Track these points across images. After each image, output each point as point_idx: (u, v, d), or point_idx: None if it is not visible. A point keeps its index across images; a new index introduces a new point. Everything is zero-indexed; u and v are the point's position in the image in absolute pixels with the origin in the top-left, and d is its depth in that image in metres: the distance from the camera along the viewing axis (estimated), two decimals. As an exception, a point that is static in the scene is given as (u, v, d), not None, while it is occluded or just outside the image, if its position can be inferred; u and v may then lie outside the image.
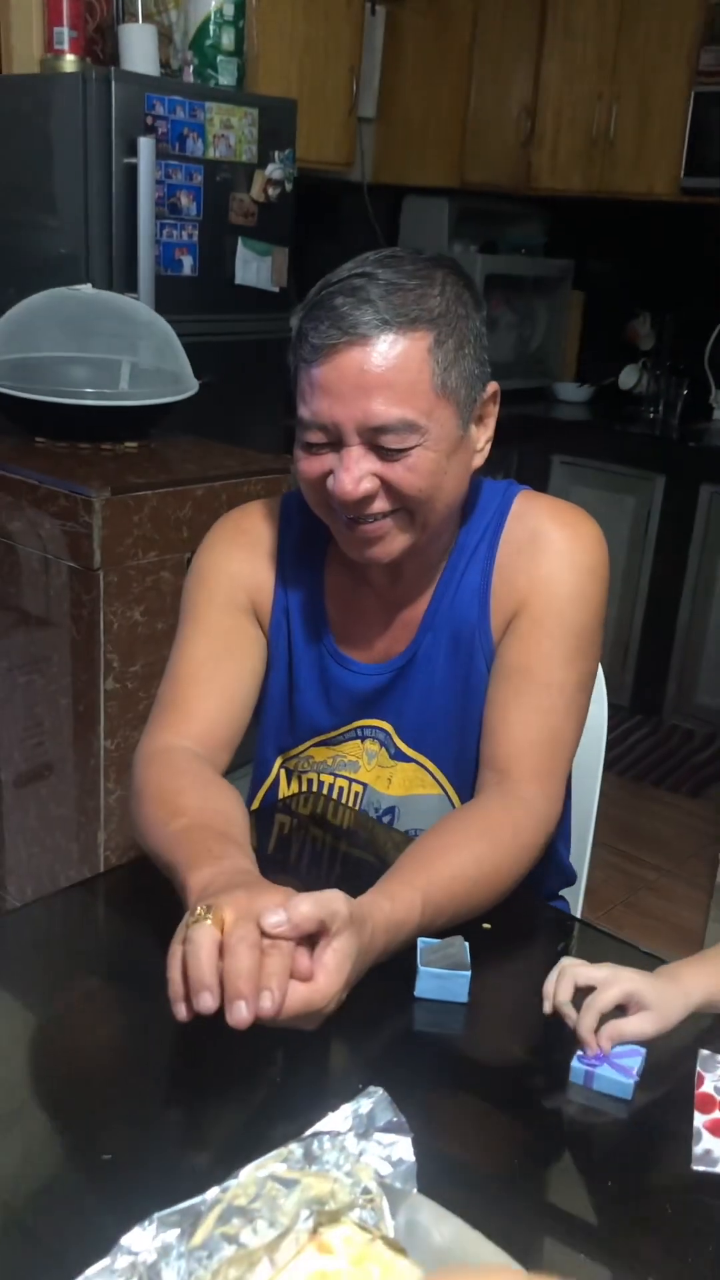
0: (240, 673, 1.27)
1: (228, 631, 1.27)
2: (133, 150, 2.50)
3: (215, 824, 1.06)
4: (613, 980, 0.88)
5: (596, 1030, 0.88)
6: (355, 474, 1.07)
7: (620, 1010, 0.89)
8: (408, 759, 1.29)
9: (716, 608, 3.66)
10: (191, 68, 2.82)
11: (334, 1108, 0.72)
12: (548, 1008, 0.91)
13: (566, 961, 0.92)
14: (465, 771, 1.27)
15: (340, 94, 3.36)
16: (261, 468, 2.11)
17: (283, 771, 1.37)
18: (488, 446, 1.18)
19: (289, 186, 2.91)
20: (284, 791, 1.37)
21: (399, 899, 0.97)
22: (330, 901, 0.86)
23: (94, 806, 2.02)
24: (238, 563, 1.28)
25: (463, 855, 1.06)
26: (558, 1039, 0.92)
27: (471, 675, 1.24)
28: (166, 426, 2.28)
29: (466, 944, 0.99)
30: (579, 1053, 0.88)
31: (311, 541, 1.29)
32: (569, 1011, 0.89)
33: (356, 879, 1.24)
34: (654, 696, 3.83)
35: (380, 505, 1.10)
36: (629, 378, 4.21)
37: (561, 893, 1.46)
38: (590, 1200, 0.80)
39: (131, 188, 2.53)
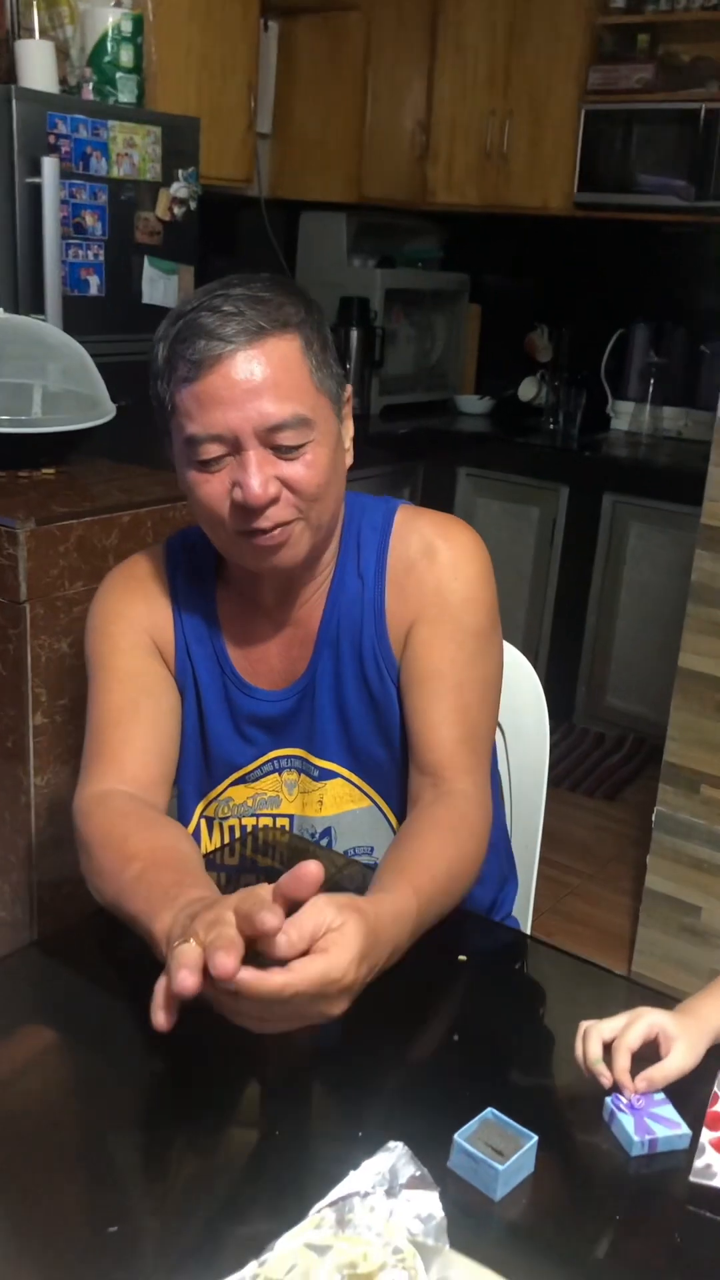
0: (160, 709, 1.26)
1: (139, 673, 1.26)
2: (36, 170, 2.45)
3: (168, 862, 1.04)
4: (635, 1018, 0.88)
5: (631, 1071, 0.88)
6: (262, 476, 1.09)
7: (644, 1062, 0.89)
8: (332, 775, 1.30)
9: (622, 612, 3.74)
10: (90, 84, 2.78)
11: (355, 1165, 0.71)
12: (586, 1072, 0.90)
13: (586, 1023, 0.91)
14: (389, 781, 1.30)
15: (238, 110, 3.34)
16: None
17: (203, 821, 1.36)
18: (353, 447, 1.22)
19: (194, 205, 2.89)
20: (206, 845, 1.36)
21: (396, 890, 0.97)
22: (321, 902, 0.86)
23: (25, 845, 1.97)
24: (135, 608, 1.28)
25: (434, 853, 1.08)
26: (552, 1070, 0.92)
27: (378, 688, 1.26)
28: (80, 450, 2.23)
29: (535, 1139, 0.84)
30: (613, 1105, 0.87)
31: (200, 576, 1.30)
32: (602, 1069, 0.88)
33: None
34: (565, 701, 3.89)
35: (281, 513, 1.12)
36: (528, 389, 4.27)
37: (514, 913, 1.47)
38: (600, 1236, 0.80)
39: (35, 208, 2.47)
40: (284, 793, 1.32)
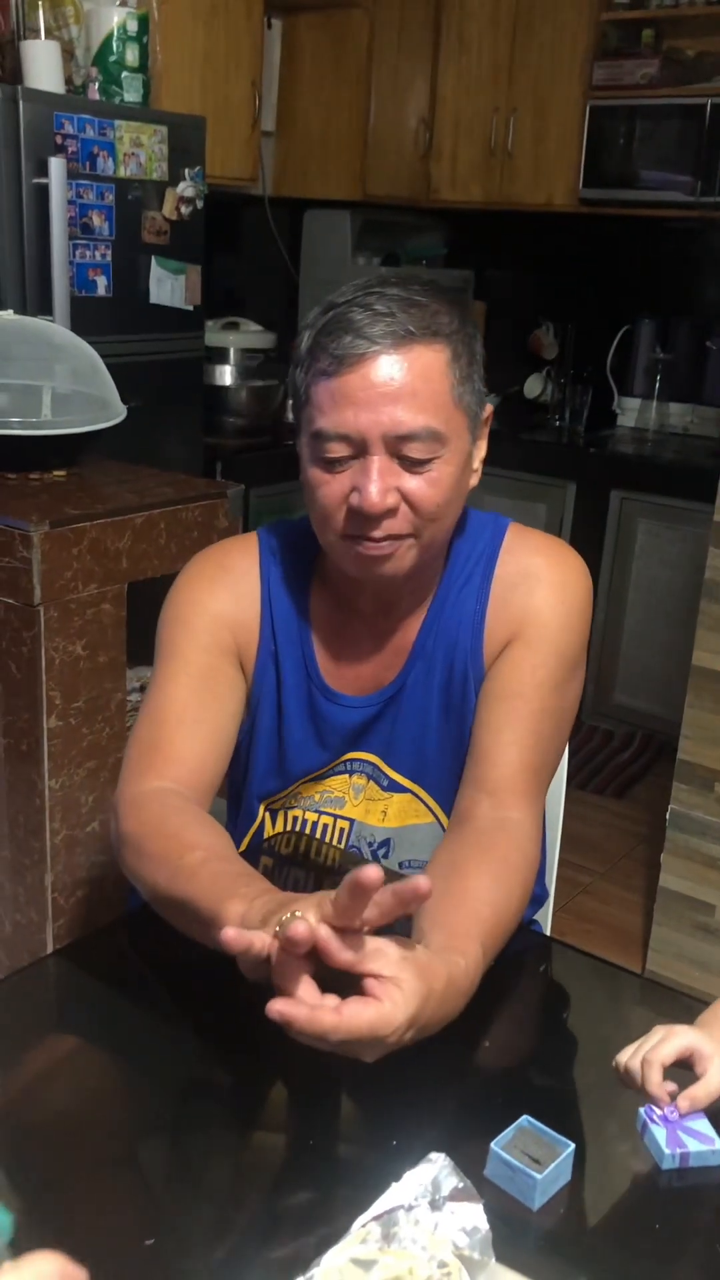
0: (222, 715, 1.24)
1: (209, 672, 1.23)
2: (43, 170, 2.44)
3: (229, 858, 1.03)
4: (669, 1035, 0.88)
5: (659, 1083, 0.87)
6: (382, 485, 1.06)
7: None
8: (402, 789, 1.28)
9: (630, 610, 3.73)
10: (96, 84, 2.77)
11: (395, 1176, 0.71)
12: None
13: (623, 1058, 0.89)
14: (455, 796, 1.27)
15: (243, 108, 3.33)
16: (198, 493, 2.07)
17: (268, 814, 1.35)
18: (481, 468, 1.19)
19: (200, 204, 2.88)
20: (269, 831, 1.35)
21: (469, 955, 0.92)
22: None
23: (39, 848, 1.96)
24: (220, 602, 1.25)
25: (503, 900, 1.04)
26: (584, 1076, 0.92)
27: (465, 704, 1.24)
28: (90, 451, 2.22)
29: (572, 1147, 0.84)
30: (646, 1116, 0.86)
31: (295, 576, 1.27)
32: (661, 1093, 0.87)
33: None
34: (573, 699, 3.88)
35: (397, 525, 1.10)
36: (533, 387, 4.26)
37: (535, 916, 1.47)
38: (641, 1246, 0.80)
39: (43, 209, 2.47)
40: (350, 795, 1.30)
